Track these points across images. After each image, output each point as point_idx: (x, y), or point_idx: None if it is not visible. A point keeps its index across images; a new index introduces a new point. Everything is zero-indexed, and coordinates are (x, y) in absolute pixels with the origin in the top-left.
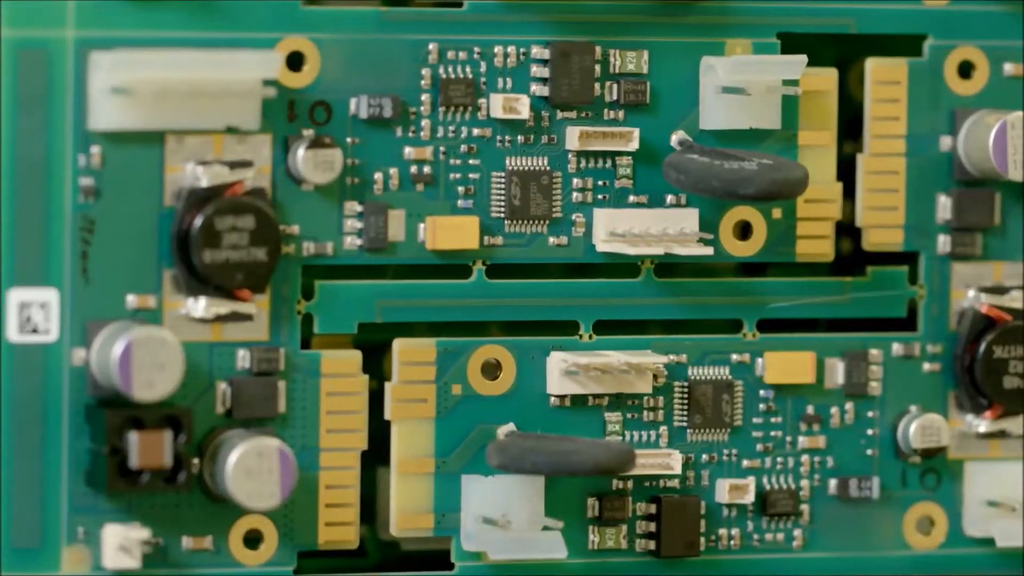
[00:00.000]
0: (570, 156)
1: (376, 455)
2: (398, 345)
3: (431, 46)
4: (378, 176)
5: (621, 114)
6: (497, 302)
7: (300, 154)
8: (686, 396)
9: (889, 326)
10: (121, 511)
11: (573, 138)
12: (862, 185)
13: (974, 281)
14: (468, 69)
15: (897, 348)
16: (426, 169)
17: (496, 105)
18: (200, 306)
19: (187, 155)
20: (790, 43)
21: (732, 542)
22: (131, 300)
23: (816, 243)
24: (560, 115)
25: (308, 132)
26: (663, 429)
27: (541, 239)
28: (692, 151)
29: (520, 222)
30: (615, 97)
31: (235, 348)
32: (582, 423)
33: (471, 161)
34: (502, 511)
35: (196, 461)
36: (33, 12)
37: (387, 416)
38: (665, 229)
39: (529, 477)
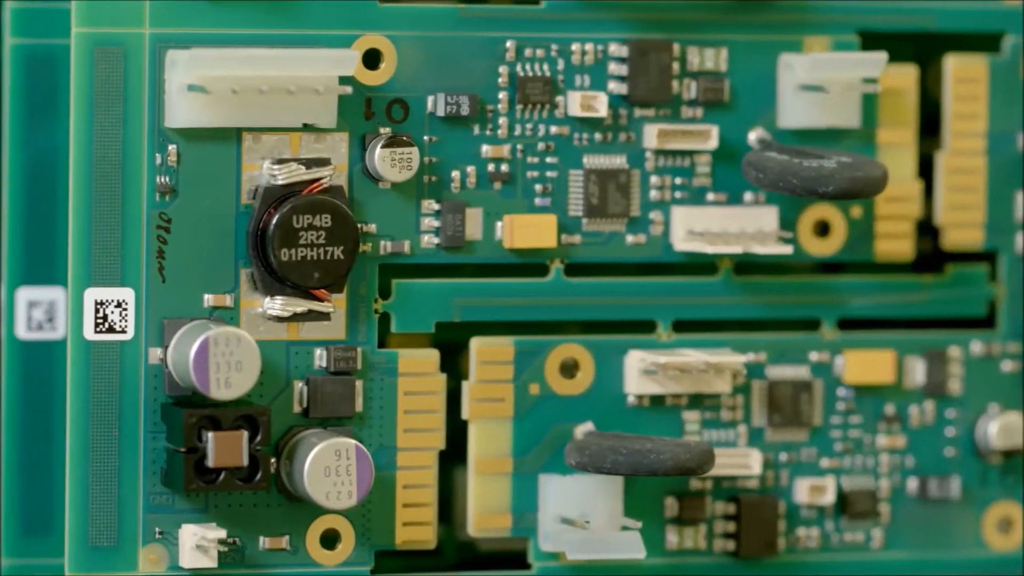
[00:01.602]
0: (648, 154)
1: (453, 455)
2: (476, 344)
3: (509, 44)
4: (455, 174)
5: (699, 112)
6: (575, 301)
7: (377, 152)
8: (765, 395)
9: (969, 325)
10: (198, 511)
11: (651, 136)
12: (941, 183)
13: None
14: (546, 67)
15: (977, 347)
16: (504, 167)
17: (574, 103)
18: (277, 305)
19: (264, 153)
20: (869, 40)
21: (811, 542)
22: (208, 299)
23: (895, 242)
24: (638, 113)
25: (385, 130)
26: (742, 428)
27: (619, 238)
28: (771, 149)
29: (598, 220)
30: (693, 95)
31: (312, 347)
32: (660, 423)
33: (549, 159)
34: (580, 511)
35: (273, 460)
36: (110, 10)
37: (464, 415)
38: (744, 228)
39: (607, 477)
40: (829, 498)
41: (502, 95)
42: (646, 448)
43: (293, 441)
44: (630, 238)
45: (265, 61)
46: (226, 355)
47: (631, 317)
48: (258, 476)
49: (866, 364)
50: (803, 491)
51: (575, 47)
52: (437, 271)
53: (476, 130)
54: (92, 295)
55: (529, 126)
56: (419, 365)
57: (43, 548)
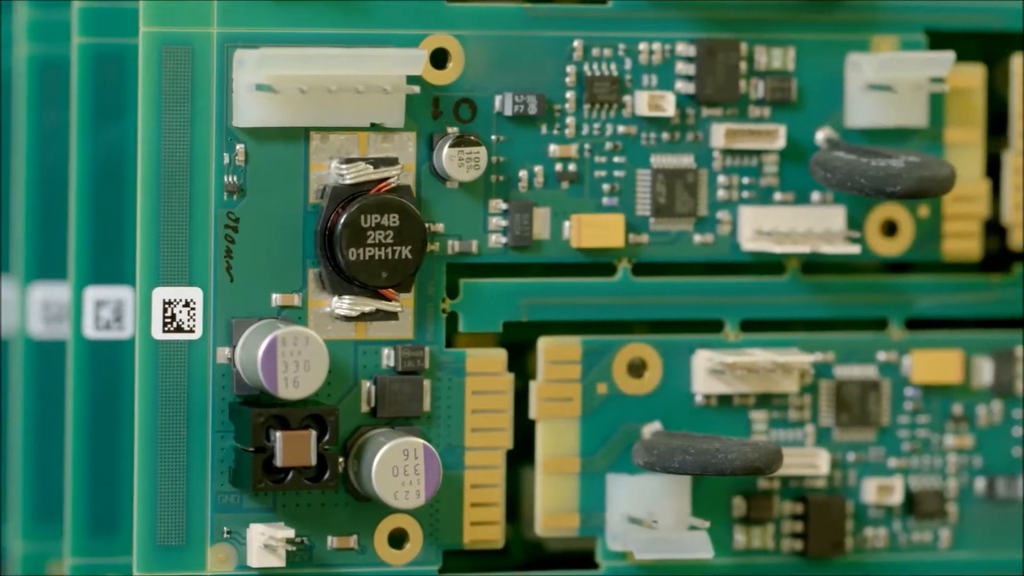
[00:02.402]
0: (716, 154)
1: (521, 454)
2: (543, 344)
3: (576, 43)
4: (523, 174)
5: (767, 111)
6: (642, 300)
7: (445, 152)
8: (833, 395)
9: None
10: (266, 510)
11: (719, 136)
12: (1008, 183)
13: None
14: (613, 66)
15: None
16: (571, 167)
17: (641, 102)
18: (345, 304)
19: (332, 152)
20: (937, 40)
21: (879, 542)
22: (276, 298)
23: (963, 241)
24: (706, 112)
25: (453, 129)
26: (809, 428)
27: (686, 237)
28: (839, 149)
29: (665, 220)
30: (761, 94)
31: (380, 346)
32: (728, 422)
33: (616, 159)
34: (648, 511)
35: (341, 460)
36: (177, 10)
37: (532, 415)
38: (811, 227)
39: (675, 476)
40: (897, 498)
41: (570, 94)
42: (714, 448)
43: (361, 440)
44: (697, 237)
45: (333, 60)
46: (294, 354)
47: (699, 317)
48: (326, 475)
49: (934, 364)
50: (871, 491)
51: (643, 46)
52: (505, 270)
53: (544, 129)
54: (160, 294)
55: (597, 125)
56: (487, 364)
57: (110, 547)
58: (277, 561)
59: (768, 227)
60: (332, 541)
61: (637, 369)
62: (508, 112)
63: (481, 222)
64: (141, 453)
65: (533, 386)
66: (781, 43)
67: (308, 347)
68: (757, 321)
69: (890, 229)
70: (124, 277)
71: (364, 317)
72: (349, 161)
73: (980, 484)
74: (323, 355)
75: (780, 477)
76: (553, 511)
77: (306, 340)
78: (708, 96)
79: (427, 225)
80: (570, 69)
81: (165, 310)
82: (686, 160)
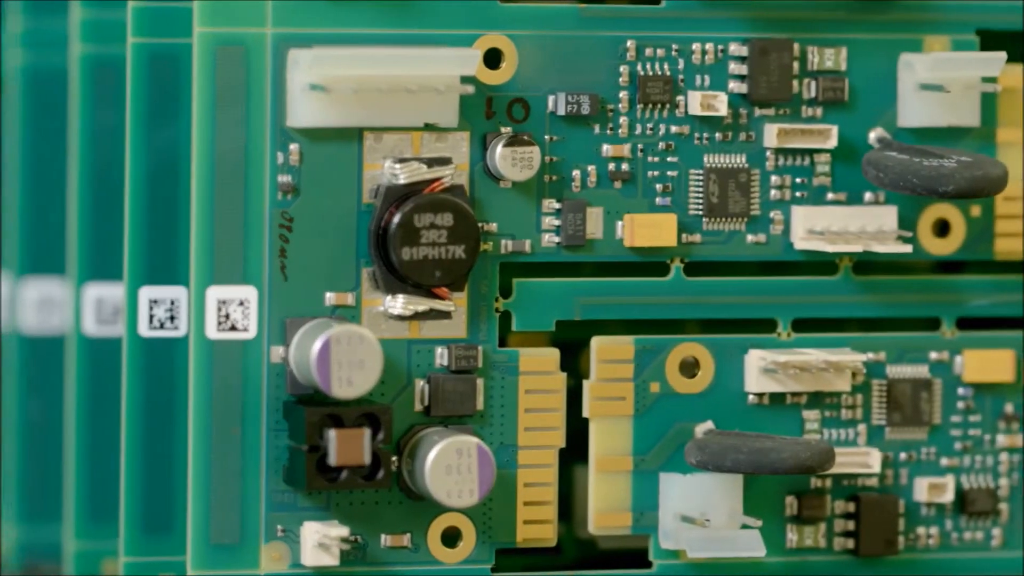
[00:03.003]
0: (768, 153)
1: (574, 453)
2: (596, 343)
3: (629, 43)
4: (576, 173)
5: (819, 111)
6: (695, 300)
7: (498, 151)
8: (885, 394)
9: None
10: (320, 508)
11: (771, 135)
12: None
13: None
14: (666, 66)
15: None
16: (624, 166)
17: (694, 102)
18: (398, 303)
19: (385, 152)
20: (988, 40)
21: (931, 541)
22: (329, 297)
23: (1015, 241)
24: (758, 112)
25: (506, 129)
26: (861, 427)
27: (739, 236)
28: (891, 148)
29: (718, 219)
30: (813, 94)
31: (433, 345)
32: (780, 421)
33: (669, 158)
34: (700, 509)
35: (395, 458)
36: (232, 10)
37: (585, 414)
38: (863, 227)
39: (728, 475)
40: (948, 497)
41: (623, 94)
42: (766, 447)
43: (415, 439)
44: (750, 237)
45: (387, 60)
46: (348, 354)
47: (751, 316)
48: (380, 474)
49: (985, 363)
50: (922, 490)
51: (695, 46)
52: (558, 270)
53: (597, 129)
54: (214, 294)
55: (650, 125)
56: (540, 363)
57: (164, 546)
58: (331, 560)
59: (820, 226)
60: (385, 539)
61: (690, 368)
62: (561, 112)
63: (534, 222)
64: (195, 452)
65: (586, 385)
66: (833, 43)
67: (362, 346)
68: (809, 320)
69: (942, 228)
70: (178, 277)
71: (418, 316)
72: (403, 161)
73: None
74: (377, 354)
75: (832, 476)
76: (606, 510)
77: (360, 339)
78: (761, 96)
79: (480, 224)
80: (623, 69)
81: (219, 309)
82: (739, 160)
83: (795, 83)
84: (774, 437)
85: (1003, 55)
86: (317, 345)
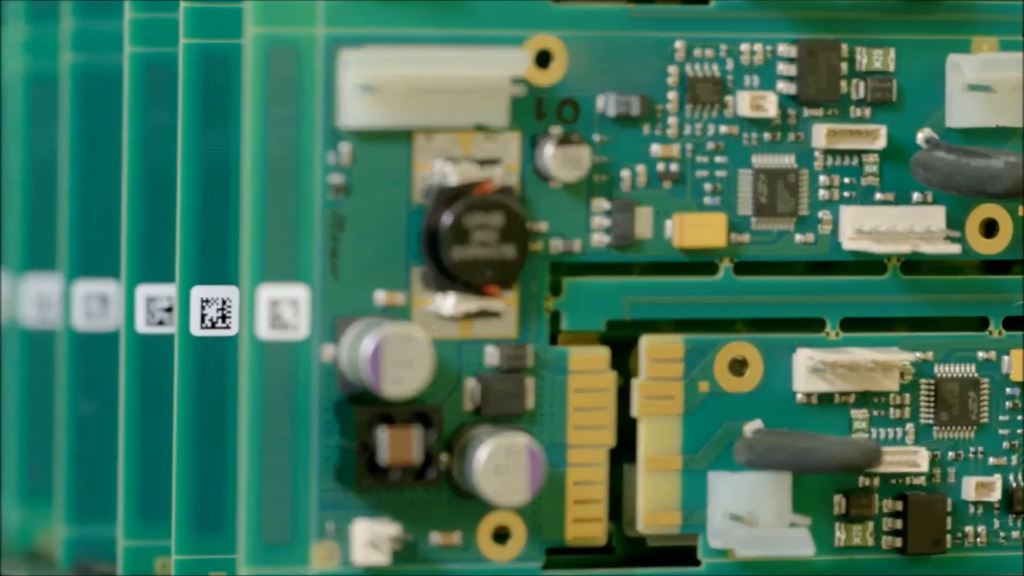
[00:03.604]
0: (817, 154)
1: (623, 452)
2: (646, 342)
3: (678, 44)
4: (625, 174)
5: (868, 112)
6: (744, 299)
7: (548, 152)
8: (932, 394)
9: None
10: (370, 507)
11: (820, 136)
12: None
13: None
14: (715, 67)
15: None
16: (673, 167)
17: (743, 103)
18: (449, 303)
19: (436, 152)
20: None
21: (978, 539)
22: (380, 297)
23: None
24: (807, 113)
25: (556, 130)
26: (909, 427)
27: (788, 236)
28: (939, 149)
29: (767, 219)
30: (862, 95)
31: (484, 345)
32: (828, 420)
33: (718, 159)
34: (749, 508)
35: (445, 457)
36: (283, 10)
37: (634, 413)
38: (912, 227)
39: (776, 474)
40: (996, 495)
41: (672, 95)
42: (814, 446)
43: (465, 438)
44: (799, 237)
45: (438, 61)
46: (399, 353)
47: (799, 315)
48: (430, 473)
49: None
50: (970, 488)
51: (744, 47)
52: (607, 269)
53: (646, 130)
54: (265, 293)
55: (698, 126)
56: (589, 363)
57: (215, 545)
58: (381, 558)
59: (869, 227)
60: (436, 538)
61: (738, 367)
62: (611, 112)
63: (584, 221)
64: (246, 451)
65: (635, 384)
66: (882, 44)
67: (412, 346)
68: (858, 320)
69: (990, 228)
70: (230, 276)
71: (468, 316)
72: (453, 161)
73: None
74: (427, 354)
75: (880, 475)
76: (655, 509)
77: (410, 339)
78: (809, 96)
79: (530, 224)
80: (672, 69)
81: (271, 309)
82: (787, 160)
83: (843, 84)
84: (821, 436)
85: None
86: (368, 345)
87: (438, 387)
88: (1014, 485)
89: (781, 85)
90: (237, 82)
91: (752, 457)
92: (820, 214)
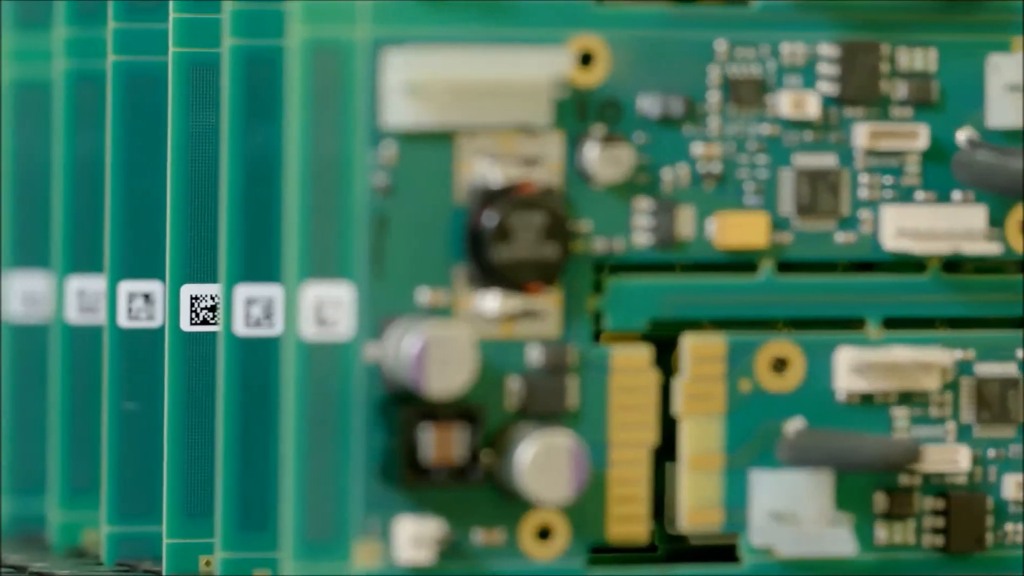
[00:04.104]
0: (858, 154)
1: (665, 450)
2: (688, 341)
3: (720, 44)
4: (667, 174)
5: (909, 112)
6: (785, 299)
7: (590, 152)
8: (973, 392)
9: None
10: (414, 506)
11: (861, 136)
12: None
13: None
14: (757, 67)
15: None
16: (715, 167)
17: (784, 103)
18: (492, 303)
19: (479, 152)
20: None
21: (1019, 537)
22: (424, 296)
23: None
24: (848, 113)
25: (598, 130)
26: (950, 425)
27: (829, 236)
28: (979, 149)
29: (808, 219)
30: (903, 95)
31: (526, 344)
32: (870, 419)
33: (759, 159)
34: (791, 507)
35: (488, 456)
36: (327, 11)
37: (676, 412)
38: (952, 226)
39: (817, 473)
40: None
41: (713, 95)
42: (854, 444)
43: (508, 437)
44: (840, 236)
45: (481, 61)
46: (442, 353)
47: (841, 315)
48: (474, 472)
49: None
50: (1011, 487)
51: (786, 47)
52: (649, 269)
53: (688, 130)
54: (309, 292)
55: (740, 126)
56: (632, 362)
57: (260, 543)
58: (425, 556)
59: (910, 226)
60: (479, 536)
61: (780, 366)
62: (653, 112)
63: (626, 221)
64: (289, 450)
65: (677, 383)
66: (922, 44)
67: (456, 345)
68: (899, 319)
69: None
70: (275, 275)
71: (511, 315)
72: (496, 161)
73: None
74: (471, 353)
75: (921, 473)
76: (697, 507)
77: (454, 339)
78: (850, 97)
79: (573, 224)
80: (714, 70)
81: (314, 308)
82: (829, 160)
83: (884, 84)
84: (862, 435)
85: None
86: (412, 344)
87: (481, 386)
88: None
89: (822, 85)
90: (281, 82)
91: (794, 455)
92: (861, 214)
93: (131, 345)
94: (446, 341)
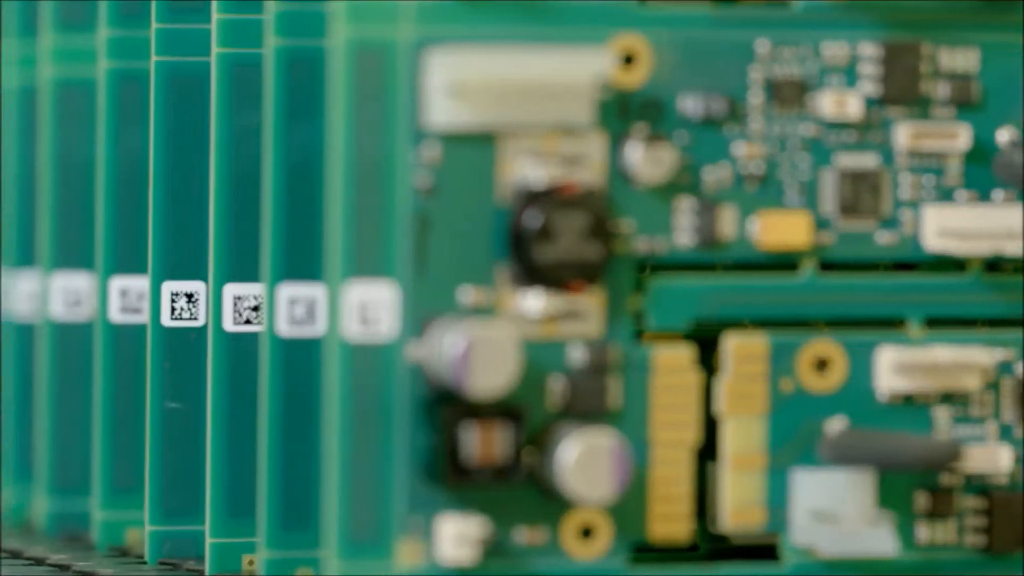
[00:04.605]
0: (899, 154)
1: (707, 450)
2: (730, 341)
3: (762, 44)
4: (709, 174)
5: (950, 112)
6: (827, 299)
7: (633, 152)
8: (1015, 392)
9: None
10: (457, 505)
11: (902, 136)
12: None
13: None
14: (799, 67)
15: None
16: (757, 167)
17: (826, 103)
18: (535, 302)
19: (522, 152)
20: None
21: None
22: (466, 296)
23: None
24: (889, 113)
25: (640, 130)
26: (991, 425)
27: (870, 236)
28: (1021, 149)
29: (850, 219)
30: (944, 95)
31: (569, 344)
32: (910, 419)
33: (801, 159)
34: (832, 506)
35: (531, 456)
36: (371, 11)
37: (718, 412)
38: (994, 226)
39: (859, 472)
40: None
41: (755, 95)
42: (896, 444)
43: (550, 437)
44: (881, 237)
45: (523, 61)
46: (485, 352)
47: (883, 315)
48: (516, 471)
49: None
50: None
51: (827, 47)
52: (691, 269)
53: (730, 130)
54: (353, 292)
55: (782, 126)
56: (674, 362)
57: (303, 542)
58: (468, 555)
59: (951, 226)
60: (521, 535)
61: (822, 366)
62: (695, 112)
63: (668, 221)
64: (333, 448)
65: (719, 383)
66: (964, 44)
67: (499, 345)
68: (940, 319)
69: None
70: (317, 275)
71: (553, 315)
72: (539, 161)
73: None
74: (513, 353)
75: (963, 473)
76: (739, 507)
77: (497, 338)
78: (892, 97)
79: (615, 224)
80: (756, 70)
81: (357, 307)
82: (870, 160)
83: (926, 84)
84: (903, 434)
85: None
86: (455, 344)
87: (524, 386)
88: None
89: (864, 85)
90: (323, 82)
91: (834, 455)
92: (902, 214)
93: (174, 345)
94: (489, 341)
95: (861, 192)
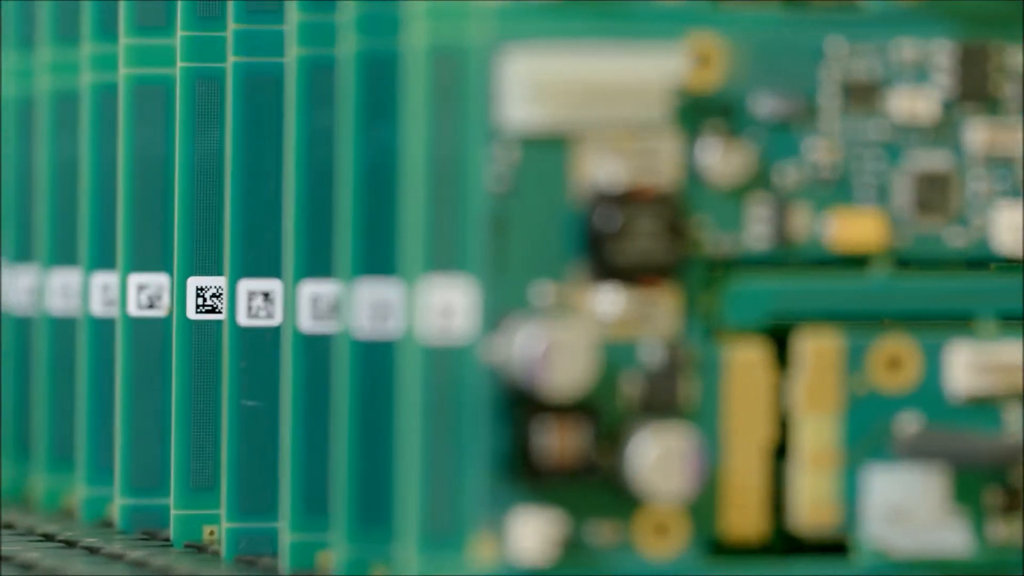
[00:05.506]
0: (971, 154)
1: (780, 448)
2: (803, 340)
3: (835, 44)
4: (782, 173)
5: (1022, 111)
6: (900, 298)
7: (707, 151)
8: None
9: None
10: (532, 502)
11: (975, 136)
12: None
13: None
14: (871, 67)
15: None
16: (830, 167)
17: (898, 103)
18: (610, 301)
19: (597, 152)
20: None
21: None
22: (542, 295)
23: None
24: (963, 113)
25: (715, 129)
26: None
27: (943, 236)
28: None
29: (922, 219)
30: (1016, 95)
31: (644, 342)
32: (982, 417)
33: (874, 159)
34: (905, 503)
35: (606, 454)
36: (447, 12)
37: (793, 410)
38: None
39: (932, 470)
40: None
41: (828, 95)
42: (968, 442)
43: (626, 435)
44: (953, 236)
45: (599, 62)
46: (561, 352)
47: (955, 314)
48: (591, 469)
49: None
50: None
51: (900, 48)
52: (765, 268)
53: (803, 130)
54: (430, 291)
55: (855, 126)
56: (748, 360)
57: (379, 539)
58: (543, 552)
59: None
60: (597, 533)
61: (895, 365)
62: (768, 112)
63: (742, 221)
64: (409, 446)
65: (793, 381)
66: None
67: (575, 345)
68: (1011, 318)
69: None
70: (392, 273)
71: (628, 313)
72: (614, 161)
73: None
74: (589, 352)
75: None
76: (814, 504)
77: (573, 338)
78: (965, 97)
79: (690, 223)
80: (829, 70)
81: (434, 306)
82: (942, 160)
83: (998, 84)
84: (976, 432)
85: None
86: (532, 344)
87: (599, 384)
88: None
89: (936, 85)
90: (398, 83)
91: (908, 453)
92: (975, 214)
93: (251, 343)
94: (565, 341)
95: (933, 192)
